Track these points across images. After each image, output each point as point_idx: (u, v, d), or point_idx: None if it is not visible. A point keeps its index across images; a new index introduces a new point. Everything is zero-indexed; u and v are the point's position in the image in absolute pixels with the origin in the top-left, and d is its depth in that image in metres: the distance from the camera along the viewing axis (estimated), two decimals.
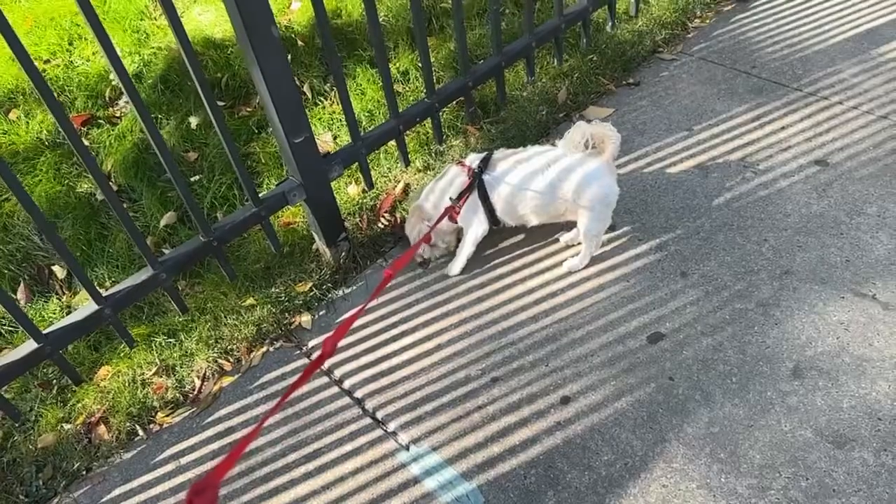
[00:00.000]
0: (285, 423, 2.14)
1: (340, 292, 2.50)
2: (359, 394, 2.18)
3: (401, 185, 2.79)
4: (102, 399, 2.29)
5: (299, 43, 3.31)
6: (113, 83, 3.32)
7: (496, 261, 2.48)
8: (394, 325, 2.35)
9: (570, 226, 2.42)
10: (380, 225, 2.68)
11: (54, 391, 2.36)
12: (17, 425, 2.26)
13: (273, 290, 2.49)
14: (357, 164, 2.52)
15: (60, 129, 1.93)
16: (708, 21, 3.42)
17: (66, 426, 2.25)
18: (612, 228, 2.47)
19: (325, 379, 2.23)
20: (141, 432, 2.21)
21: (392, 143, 2.65)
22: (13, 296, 2.65)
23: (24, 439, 2.23)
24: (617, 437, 1.94)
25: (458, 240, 2.50)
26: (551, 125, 2.95)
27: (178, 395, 2.29)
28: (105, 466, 2.15)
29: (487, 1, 2.81)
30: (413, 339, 2.30)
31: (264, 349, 2.37)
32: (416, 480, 1.94)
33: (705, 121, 2.85)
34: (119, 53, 1.83)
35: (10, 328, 2.57)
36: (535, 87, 3.07)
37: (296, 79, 3.10)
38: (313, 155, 2.31)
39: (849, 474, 1.78)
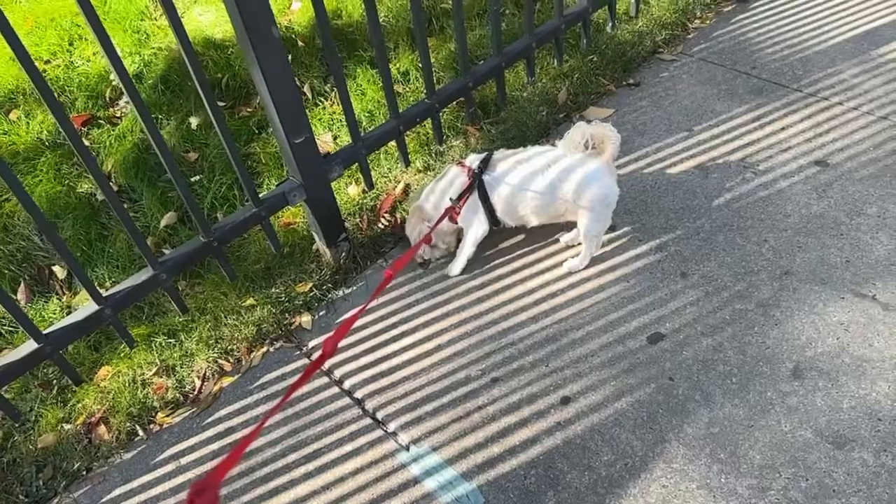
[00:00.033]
0: (285, 424, 2.14)
1: (340, 293, 2.50)
2: (359, 394, 2.18)
3: (401, 186, 2.79)
4: (102, 399, 2.29)
5: (300, 43, 3.31)
6: (113, 83, 3.32)
7: (496, 261, 2.48)
8: (394, 326, 2.35)
9: (571, 226, 2.42)
10: (380, 225, 2.68)
11: (54, 391, 2.36)
12: (17, 425, 2.26)
13: (273, 290, 2.49)
14: (357, 164, 2.52)
15: (61, 130, 1.93)
16: (708, 22, 3.42)
17: (67, 426, 2.25)
18: (612, 229, 2.47)
19: (325, 379, 2.23)
20: (141, 432, 2.21)
21: (392, 143, 2.66)
22: (13, 296, 2.65)
23: (24, 439, 2.23)
24: (617, 438, 1.94)
25: (459, 240, 2.50)
26: (551, 126, 2.95)
27: (178, 395, 2.29)
28: (105, 466, 2.15)
29: (488, 1, 2.81)
30: (413, 339, 2.30)
31: (264, 349, 2.37)
32: (416, 481, 1.94)
33: (705, 121, 2.85)
34: (119, 54, 1.83)
35: (10, 328, 2.57)
36: (536, 87, 3.07)
37: (296, 79, 3.10)
38: (313, 155, 2.31)
39: (849, 475, 1.78)
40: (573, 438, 1.96)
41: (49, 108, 1.75)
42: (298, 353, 2.34)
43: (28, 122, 3.24)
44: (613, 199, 2.26)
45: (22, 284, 2.70)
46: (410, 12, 2.64)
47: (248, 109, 3.18)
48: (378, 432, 2.07)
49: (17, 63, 1.67)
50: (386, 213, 2.70)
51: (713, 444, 1.89)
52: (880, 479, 1.77)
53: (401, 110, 2.58)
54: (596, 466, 1.89)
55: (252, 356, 2.36)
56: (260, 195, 2.30)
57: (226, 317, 2.43)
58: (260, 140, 3.05)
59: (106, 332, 2.50)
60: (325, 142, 2.97)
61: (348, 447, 2.05)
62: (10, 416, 2.13)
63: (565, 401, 2.05)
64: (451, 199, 2.32)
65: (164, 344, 2.41)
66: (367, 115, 3.05)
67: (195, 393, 2.29)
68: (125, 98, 3.23)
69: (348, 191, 2.80)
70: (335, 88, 3.09)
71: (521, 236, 2.54)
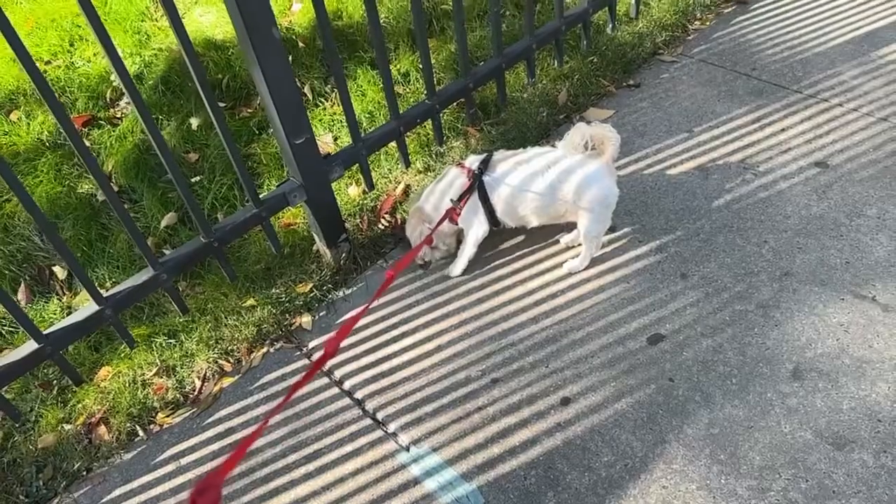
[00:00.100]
0: (286, 424, 2.14)
1: (341, 293, 2.50)
2: (359, 395, 2.18)
3: (401, 187, 2.80)
4: (103, 399, 2.29)
5: (300, 44, 3.31)
6: (114, 84, 3.33)
7: (496, 262, 2.48)
8: (394, 326, 2.35)
9: (571, 227, 2.42)
10: (380, 226, 2.68)
11: (55, 391, 2.36)
12: (17, 426, 2.26)
13: (273, 290, 2.49)
14: (357, 165, 2.53)
15: (62, 130, 1.93)
16: (708, 23, 3.43)
17: (67, 426, 2.25)
18: (612, 230, 2.47)
19: (325, 380, 2.24)
20: (141, 433, 2.21)
21: (392, 144, 2.66)
22: (14, 296, 2.65)
23: (24, 440, 2.23)
24: (617, 439, 1.94)
25: (459, 241, 2.50)
26: (552, 127, 2.95)
27: (178, 395, 2.29)
28: (105, 467, 2.15)
29: (488, 3, 2.81)
30: (413, 339, 2.30)
31: (265, 350, 2.37)
32: (416, 481, 1.94)
33: (705, 122, 2.86)
34: (120, 54, 1.84)
35: (10, 328, 2.57)
36: (536, 88, 3.07)
37: (296, 80, 3.10)
38: (314, 156, 2.31)
39: (848, 476, 1.78)
40: (573, 439, 1.96)
41: (50, 109, 1.75)
42: (299, 353, 2.34)
43: (28, 123, 3.25)
44: (613, 200, 2.26)
45: (22, 285, 2.70)
46: (411, 13, 2.64)
47: (249, 110, 3.19)
48: (378, 433, 2.07)
49: (18, 63, 1.67)
50: (386, 213, 2.71)
51: (713, 444, 1.89)
52: (880, 480, 1.77)
53: (401, 111, 2.58)
54: (596, 467, 1.89)
55: (252, 357, 2.36)
56: (260, 196, 2.30)
57: (226, 317, 2.43)
58: (260, 141, 3.05)
59: (106, 332, 2.50)
60: (326, 142, 2.97)
61: (348, 448, 2.05)
62: (11, 417, 2.13)
63: (565, 401, 2.05)
64: (451, 200, 2.32)
65: (164, 344, 2.42)
66: (367, 115, 3.05)
67: (195, 393, 2.30)
68: (126, 99, 3.23)
69: (349, 191, 2.80)
70: (336, 89, 3.10)
71: (522, 237, 2.54)
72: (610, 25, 3.32)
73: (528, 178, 2.25)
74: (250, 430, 2.14)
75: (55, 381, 2.39)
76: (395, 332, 2.33)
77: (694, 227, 2.46)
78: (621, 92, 3.10)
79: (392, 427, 2.08)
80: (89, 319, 2.07)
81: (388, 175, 2.86)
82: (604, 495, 1.83)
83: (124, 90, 1.86)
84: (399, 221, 2.67)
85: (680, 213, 2.51)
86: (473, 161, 2.36)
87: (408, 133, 2.69)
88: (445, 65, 3.21)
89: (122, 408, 2.25)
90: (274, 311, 2.43)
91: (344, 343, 2.32)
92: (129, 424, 2.22)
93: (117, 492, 2.08)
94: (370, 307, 2.35)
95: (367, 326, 2.37)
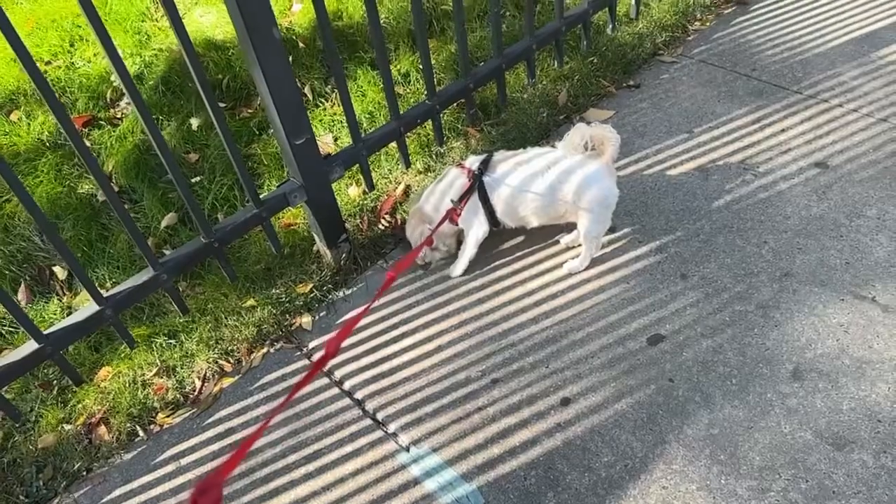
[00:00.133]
0: (286, 424, 2.14)
1: (341, 293, 2.50)
2: (359, 395, 2.18)
3: (401, 187, 2.80)
4: (103, 400, 2.29)
5: (300, 45, 3.32)
6: (114, 84, 3.33)
7: (496, 262, 2.48)
8: (394, 327, 2.35)
9: (571, 227, 2.42)
10: (380, 226, 2.68)
11: (55, 392, 2.36)
12: (17, 426, 2.26)
13: (274, 291, 2.49)
14: (358, 165, 2.53)
15: (62, 130, 1.93)
16: (708, 24, 3.43)
17: (67, 427, 2.25)
18: (612, 230, 2.47)
19: (325, 380, 2.24)
20: (141, 433, 2.22)
21: (393, 144, 2.66)
22: (14, 296, 2.65)
23: (24, 440, 2.23)
24: (617, 439, 1.94)
25: (459, 242, 2.50)
26: (552, 127, 2.96)
27: (178, 395, 2.29)
28: (105, 467, 2.15)
29: (488, 3, 2.82)
30: (413, 340, 2.30)
31: (265, 350, 2.37)
32: (416, 482, 1.94)
33: (705, 123, 2.86)
34: (120, 55, 1.84)
35: (10, 329, 2.57)
36: (536, 89, 3.07)
37: (297, 80, 3.11)
38: (314, 156, 2.31)
39: (848, 476, 1.78)
40: (573, 440, 1.96)
41: (51, 109, 1.75)
42: (299, 353, 2.35)
43: (29, 123, 3.25)
44: (613, 201, 2.26)
45: (22, 285, 2.70)
46: (411, 14, 2.65)
47: (249, 110, 3.19)
48: (378, 433, 2.07)
49: (18, 64, 1.67)
50: (386, 214, 2.71)
51: (713, 445, 1.89)
52: (880, 480, 1.77)
53: (401, 111, 2.59)
54: (596, 468, 1.89)
55: (252, 357, 2.36)
56: (261, 196, 2.30)
57: (226, 317, 2.43)
58: (260, 141, 3.05)
59: (106, 332, 2.50)
60: (326, 143, 2.98)
61: (348, 448, 2.05)
62: (11, 417, 2.13)
63: (565, 402, 2.05)
64: (451, 200, 2.32)
65: (164, 344, 2.42)
66: (367, 116, 3.06)
67: (195, 393, 2.30)
68: (126, 99, 3.23)
69: (349, 192, 2.80)
70: (336, 90, 3.10)
71: (522, 238, 2.54)
72: (610, 26, 3.32)
73: (529, 179, 2.25)
74: (251, 430, 2.15)
75: (55, 382, 2.40)
76: (395, 333, 2.33)
77: (694, 228, 2.46)
78: (621, 92, 3.10)
79: (392, 427, 2.08)
80: (89, 319, 2.07)
81: (388, 175, 2.86)
82: (604, 496, 1.84)
83: (125, 90, 1.86)
84: (399, 222, 2.67)
85: (680, 214, 2.51)
86: (473, 161, 2.36)
87: (408, 133, 2.69)
88: (445, 65, 3.21)
89: (122, 408, 2.25)
90: (274, 311, 2.43)
91: (344, 343, 2.31)
92: (129, 425, 2.22)
93: (117, 492, 2.08)
94: (370, 307, 2.36)
95: (367, 327, 2.37)
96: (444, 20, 3.40)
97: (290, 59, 2.95)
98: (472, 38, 3.30)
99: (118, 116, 3.26)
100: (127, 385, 2.31)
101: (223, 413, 2.22)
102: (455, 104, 2.89)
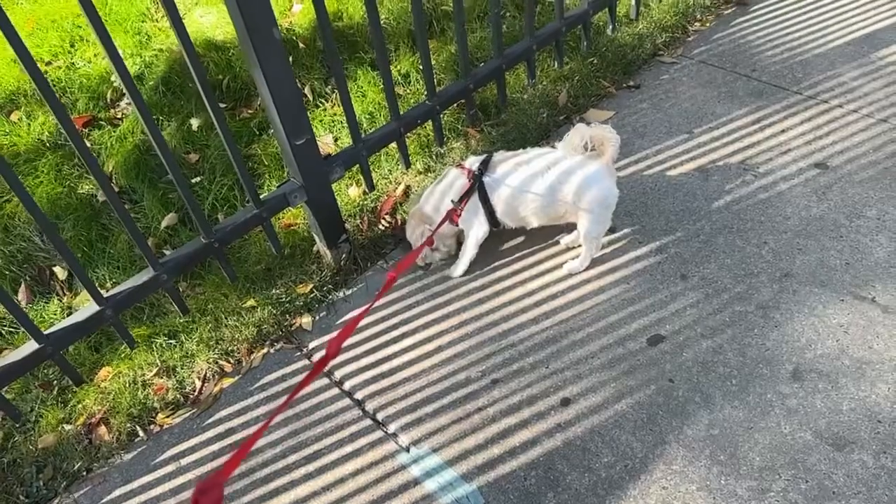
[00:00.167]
0: (286, 424, 2.14)
1: (341, 294, 2.50)
2: (359, 395, 2.18)
3: (401, 187, 2.80)
4: (103, 400, 2.29)
5: (300, 45, 3.32)
6: (114, 85, 3.33)
7: (497, 263, 2.48)
8: (394, 327, 2.35)
9: (571, 228, 2.43)
10: (380, 227, 2.68)
11: (55, 392, 2.36)
12: (17, 426, 2.26)
13: (274, 291, 2.49)
14: (358, 165, 2.53)
15: (62, 131, 1.94)
16: (708, 24, 3.43)
17: (67, 427, 2.25)
18: (612, 231, 2.48)
19: (325, 380, 2.24)
20: (141, 433, 2.22)
21: (393, 145, 2.66)
22: (14, 297, 2.65)
23: (24, 440, 2.23)
24: (617, 439, 1.94)
25: (459, 243, 2.50)
26: (552, 128, 2.96)
27: (178, 396, 2.29)
28: (105, 467, 2.15)
29: (488, 4, 2.82)
30: (414, 340, 2.30)
31: (265, 350, 2.37)
32: (416, 482, 1.94)
33: (705, 124, 2.86)
34: (121, 55, 1.84)
35: (11, 329, 2.57)
36: (536, 89, 3.07)
37: (297, 81, 3.11)
38: (314, 157, 2.31)
39: (848, 476, 1.78)
40: (573, 440, 1.96)
41: (51, 109, 1.76)
42: (299, 354, 2.35)
43: (29, 124, 3.25)
44: (613, 201, 2.26)
45: (23, 285, 2.71)
46: (411, 14, 2.65)
47: (249, 111, 3.19)
48: (378, 433, 2.07)
49: (19, 64, 1.67)
50: (386, 214, 2.71)
51: (713, 445, 1.89)
52: (880, 480, 1.77)
53: (401, 112, 2.59)
54: (596, 468, 1.89)
55: (252, 357, 2.36)
56: (261, 196, 2.31)
57: (226, 318, 2.43)
58: (261, 141, 3.05)
59: (106, 332, 2.50)
60: (326, 143, 2.98)
61: (348, 448, 2.05)
62: (11, 417, 2.13)
63: (565, 402, 2.05)
64: (452, 201, 2.32)
65: (164, 345, 2.42)
66: (367, 116, 3.06)
67: (195, 394, 2.30)
68: (126, 99, 3.23)
69: (349, 192, 2.80)
70: (336, 90, 3.10)
71: (522, 238, 2.54)
72: (610, 27, 3.33)
73: (528, 179, 2.25)
74: (251, 430, 2.15)
75: (55, 382, 2.40)
76: (395, 333, 2.33)
77: (694, 229, 2.46)
78: (621, 93, 3.10)
79: (392, 428, 2.08)
80: (90, 320, 2.07)
81: (388, 176, 2.86)
82: (604, 496, 1.84)
83: (125, 91, 1.87)
84: (399, 222, 2.67)
85: (680, 214, 2.51)
86: (473, 162, 2.36)
87: (408, 134, 2.69)
88: (446, 66, 3.21)
89: (122, 408, 2.25)
90: (274, 311, 2.43)
91: (344, 343, 2.32)
92: (129, 425, 2.22)
93: (117, 492, 2.08)
94: (371, 308, 2.36)
95: (367, 327, 2.37)
96: (444, 21, 3.40)
97: (291, 59, 2.96)
98: (473, 38, 3.30)
99: (118, 117, 3.27)
100: (127, 385, 2.31)
101: (223, 413, 2.22)
102: (455, 105, 2.89)
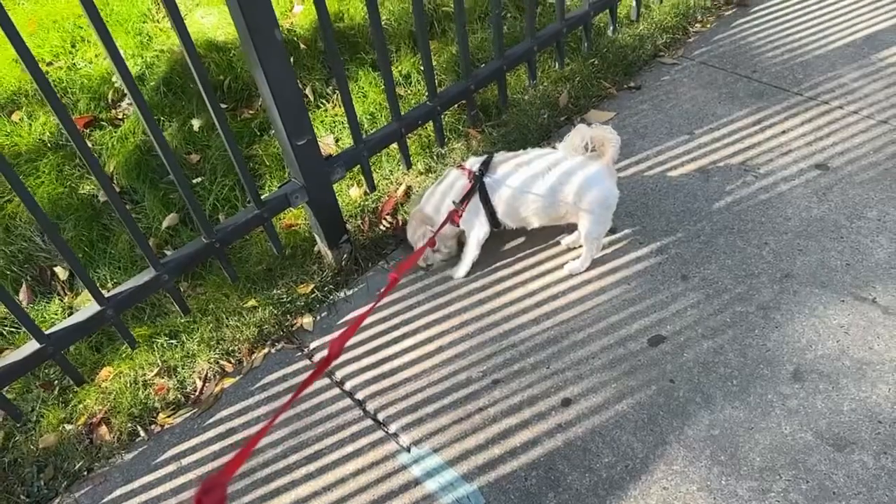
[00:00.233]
0: (287, 424, 2.14)
1: (342, 294, 2.50)
2: (360, 395, 2.18)
3: (402, 188, 2.80)
4: (104, 400, 2.29)
5: (302, 46, 3.32)
6: (116, 85, 3.33)
7: (497, 263, 2.49)
8: (395, 327, 2.35)
9: (572, 228, 2.43)
10: (381, 227, 2.69)
11: (56, 392, 2.37)
12: (18, 426, 2.26)
13: (275, 291, 2.49)
14: (359, 166, 2.53)
15: (63, 131, 1.94)
16: (709, 25, 3.43)
17: (68, 427, 2.25)
18: (612, 231, 2.48)
19: (326, 380, 2.24)
20: (142, 433, 2.22)
21: (394, 145, 2.66)
22: (16, 296, 2.65)
23: (25, 440, 2.24)
24: (618, 440, 1.94)
25: (460, 243, 2.50)
26: (552, 128, 2.96)
27: (179, 395, 2.29)
28: (106, 467, 2.16)
29: (489, 5, 2.82)
30: (415, 340, 2.30)
31: (266, 350, 2.38)
32: (416, 482, 1.95)
33: (706, 124, 2.86)
34: (122, 56, 1.84)
35: (12, 329, 2.57)
36: (537, 90, 3.08)
37: (298, 81, 3.11)
38: (315, 157, 2.31)
39: (849, 477, 1.79)
40: (574, 440, 1.96)
41: (52, 110, 1.76)
42: (300, 354, 2.35)
43: (30, 124, 3.26)
44: (614, 202, 2.26)
45: (24, 285, 2.71)
46: (412, 15, 2.65)
47: (250, 111, 3.19)
48: (379, 433, 2.08)
49: (20, 64, 1.68)
50: (387, 215, 2.71)
51: (714, 446, 1.89)
52: (880, 481, 1.77)
53: (402, 113, 2.59)
54: (597, 468, 1.89)
55: (253, 357, 2.36)
56: (262, 197, 2.31)
57: (227, 318, 2.43)
58: (262, 142, 3.05)
59: (107, 332, 2.50)
60: (327, 144, 2.98)
61: (349, 448, 2.05)
62: (12, 417, 2.13)
63: (566, 402, 2.05)
64: (453, 202, 2.32)
65: (165, 345, 2.42)
66: (368, 117, 3.06)
67: (196, 394, 2.30)
68: (127, 100, 3.24)
69: (350, 193, 2.81)
70: (337, 91, 3.11)
71: (522, 239, 2.55)
72: (611, 28, 3.33)
73: (529, 180, 2.26)
74: (252, 430, 2.15)
75: (56, 382, 2.40)
76: (396, 333, 2.34)
77: (694, 229, 2.46)
78: (622, 94, 3.10)
79: (393, 428, 2.08)
80: (91, 320, 2.07)
81: (389, 176, 2.87)
82: (604, 496, 1.84)
83: (126, 91, 1.87)
84: (400, 223, 2.68)
85: (680, 215, 2.52)
86: (474, 163, 2.36)
87: (409, 134, 2.70)
88: (447, 66, 3.21)
89: (123, 408, 2.25)
90: (275, 311, 2.43)
91: (346, 344, 2.32)
92: (130, 425, 2.23)
93: (118, 492, 2.08)
94: (373, 309, 2.36)
95: (368, 327, 2.37)
96: (445, 22, 3.40)
97: (292, 60, 2.96)
98: (474, 39, 3.30)
99: (119, 117, 3.27)
100: (128, 385, 2.31)
101: (224, 413, 2.22)
102: (456, 105, 2.90)
